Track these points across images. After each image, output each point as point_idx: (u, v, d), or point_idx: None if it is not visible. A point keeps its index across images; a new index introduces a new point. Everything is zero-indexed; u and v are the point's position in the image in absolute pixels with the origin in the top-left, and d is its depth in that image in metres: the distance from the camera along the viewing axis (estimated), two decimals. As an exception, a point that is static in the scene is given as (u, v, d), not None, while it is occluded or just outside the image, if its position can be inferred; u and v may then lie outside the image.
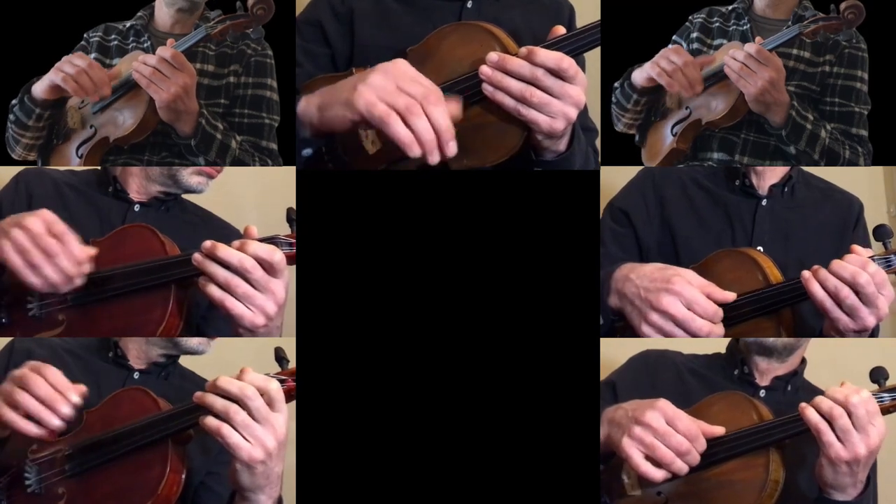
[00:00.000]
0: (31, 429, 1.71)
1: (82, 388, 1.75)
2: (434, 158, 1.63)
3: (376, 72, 1.64)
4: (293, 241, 1.73)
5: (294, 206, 1.78)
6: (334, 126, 1.68)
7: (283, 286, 1.71)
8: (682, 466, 1.77)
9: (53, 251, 1.71)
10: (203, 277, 1.70)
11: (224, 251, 1.69)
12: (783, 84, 2.01)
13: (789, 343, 1.93)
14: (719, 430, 1.81)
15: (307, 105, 1.70)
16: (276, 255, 1.69)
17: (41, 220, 1.72)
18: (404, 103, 1.62)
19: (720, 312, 1.78)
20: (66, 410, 1.72)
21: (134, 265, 1.76)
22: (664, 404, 1.79)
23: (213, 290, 1.69)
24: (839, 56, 2.09)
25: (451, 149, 1.64)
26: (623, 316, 1.83)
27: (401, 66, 1.66)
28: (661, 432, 1.77)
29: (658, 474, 1.78)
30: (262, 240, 1.72)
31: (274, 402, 1.66)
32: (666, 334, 1.78)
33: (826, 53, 2.09)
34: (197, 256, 1.70)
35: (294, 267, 1.77)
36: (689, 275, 1.80)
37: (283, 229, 1.76)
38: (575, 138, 1.76)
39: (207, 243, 1.70)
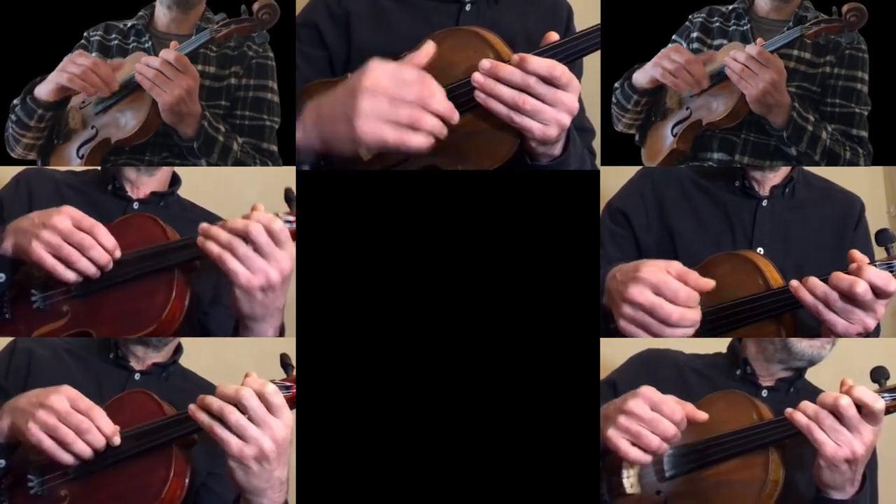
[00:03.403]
0: (68, 459, 1.73)
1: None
2: (445, 133, 1.65)
3: (362, 96, 1.62)
4: (292, 218, 1.73)
5: (292, 188, 1.78)
6: (346, 156, 1.68)
7: (288, 258, 1.71)
8: (666, 449, 1.77)
9: (86, 244, 1.74)
10: (202, 237, 1.71)
11: (230, 221, 1.71)
12: (784, 86, 2.01)
13: (824, 354, 1.94)
14: (702, 416, 1.79)
15: (305, 137, 1.70)
16: (276, 224, 1.70)
17: (68, 217, 1.75)
18: (407, 116, 1.62)
19: (693, 294, 1.74)
20: (102, 448, 1.74)
21: (135, 252, 1.77)
22: (647, 390, 1.78)
23: (212, 246, 1.70)
24: (840, 57, 2.09)
25: (455, 117, 1.66)
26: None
27: (378, 77, 1.63)
28: (645, 419, 1.76)
29: (646, 458, 1.77)
30: None
31: (272, 405, 1.67)
32: (640, 325, 1.75)
33: (826, 54, 2.09)
34: (205, 225, 1.72)
35: (293, 265, 1.77)
36: (662, 262, 1.77)
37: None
38: (570, 142, 1.75)
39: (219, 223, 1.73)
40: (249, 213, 1.72)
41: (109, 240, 1.76)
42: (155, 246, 1.77)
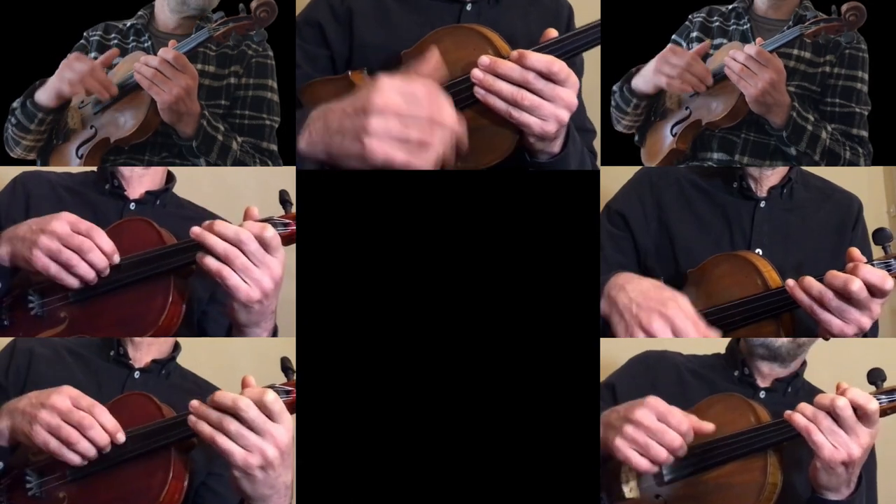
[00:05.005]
0: (74, 459, 1.72)
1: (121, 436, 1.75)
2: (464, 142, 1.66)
3: (372, 114, 1.59)
4: (288, 221, 1.74)
5: (286, 189, 1.78)
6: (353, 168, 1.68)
7: (279, 264, 1.72)
8: (672, 460, 1.78)
9: (85, 248, 1.72)
10: (200, 252, 1.71)
11: (221, 226, 1.70)
12: (784, 85, 2.01)
13: (793, 350, 1.93)
14: (709, 427, 1.80)
15: (310, 147, 1.66)
16: (268, 232, 1.70)
17: (66, 222, 1.74)
18: (418, 136, 1.60)
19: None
20: (108, 449, 1.73)
21: (131, 257, 1.77)
22: (654, 400, 1.79)
23: (211, 262, 1.70)
24: (839, 57, 2.09)
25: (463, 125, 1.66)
26: (610, 324, 1.83)
27: (387, 92, 1.61)
28: (653, 430, 1.77)
29: (655, 468, 1.79)
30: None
31: (272, 412, 1.66)
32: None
33: (826, 54, 2.09)
34: (195, 229, 1.71)
35: (292, 261, 1.77)
36: (682, 301, 1.79)
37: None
38: (570, 140, 1.75)
39: (207, 221, 1.72)
40: (243, 219, 1.73)
41: (108, 243, 1.74)
42: (151, 251, 1.77)
